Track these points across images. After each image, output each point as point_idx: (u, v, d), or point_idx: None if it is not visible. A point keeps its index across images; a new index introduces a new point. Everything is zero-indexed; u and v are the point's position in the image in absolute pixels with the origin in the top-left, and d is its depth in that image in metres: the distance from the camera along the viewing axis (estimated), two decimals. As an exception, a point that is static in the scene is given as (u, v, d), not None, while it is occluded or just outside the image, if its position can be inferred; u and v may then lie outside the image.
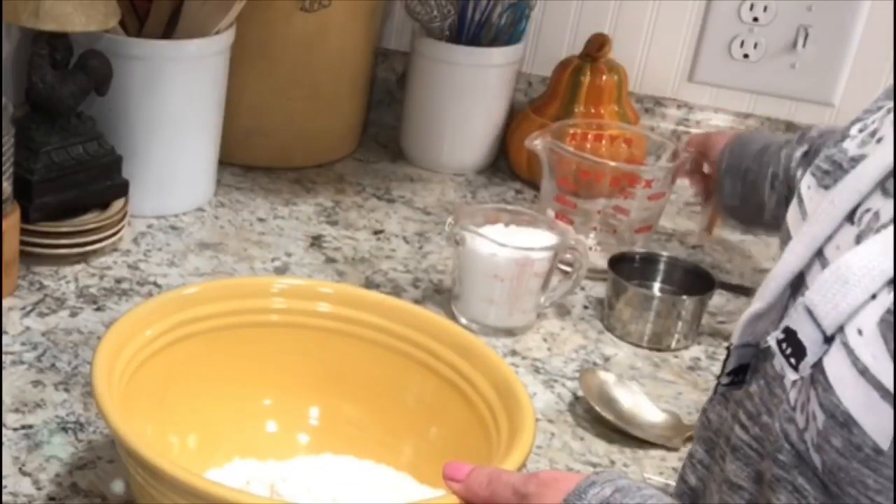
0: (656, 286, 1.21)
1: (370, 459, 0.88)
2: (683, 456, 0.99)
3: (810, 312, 0.61)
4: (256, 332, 0.91)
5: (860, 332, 0.57)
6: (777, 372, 0.65)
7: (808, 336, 0.61)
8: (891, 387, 0.55)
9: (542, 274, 1.13)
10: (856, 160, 0.67)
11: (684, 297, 1.16)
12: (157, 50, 1.23)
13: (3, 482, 0.86)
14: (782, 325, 0.64)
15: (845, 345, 0.58)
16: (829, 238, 0.64)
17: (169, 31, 1.25)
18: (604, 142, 1.35)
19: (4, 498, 0.85)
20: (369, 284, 1.20)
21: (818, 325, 0.60)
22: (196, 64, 1.26)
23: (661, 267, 1.21)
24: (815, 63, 1.48)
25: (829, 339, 0.60)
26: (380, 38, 1.56)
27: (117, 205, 1.19)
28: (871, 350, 0.56)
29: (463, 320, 1.14)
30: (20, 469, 0.88)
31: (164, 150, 1.26)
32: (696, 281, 1.18)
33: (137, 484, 0.77)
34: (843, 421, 0.57)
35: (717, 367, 1.13)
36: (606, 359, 1.13)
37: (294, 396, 0.92)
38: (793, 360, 0.62)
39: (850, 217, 0.64)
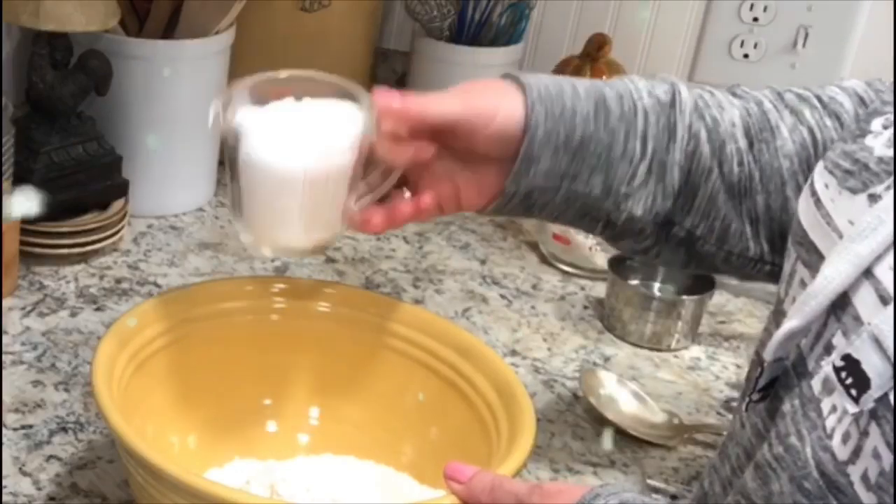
0: (656, 286, 1.21)
1: (370, 460, 0.88)
2: (684, 456, 0.99)
3: (877, 342, 0.57)
4: (256, 332, 0.91)
5: None
6: (814, 395, 0.62)
7: (874, 368, 0.58)
8: None
9: (347, 170, 0.82)
10: (885, 161, 0.64)
11: (684, 297, 1.16)
12: (157, 50, 1.23)
13: (3, 482, 0.86)
14: (841, 352, 0.60)
15: None
16: (880, 258, 0.60)
17: (169, 31, 1.25)
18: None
19: (4, 498, 0.85)
20: (369, 284, 1.20)
21: (889, 358, 0.57)
22: (196, 64, 1.26)
23: (661, 267, 1.21)
24: (815, 63, 1.48)
25: None
26: (380, 38, 1.56)
27: (117, 205, 1.19)
28: None
29: (245, 239, 0.85)
30: (20, 469, 0.88)
31: (164, 150, 1.26)
32: (696, 281, 1.18)
33: (137, 484, 0.77)
34: None
35: (717, 368, 1.13)
36: (606, 359, 1.13)
37: (294, 396, 0.92)
38: (853, 392, 0.58)
39: None
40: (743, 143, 0.83)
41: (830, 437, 0.60)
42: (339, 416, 0.92)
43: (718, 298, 1.22)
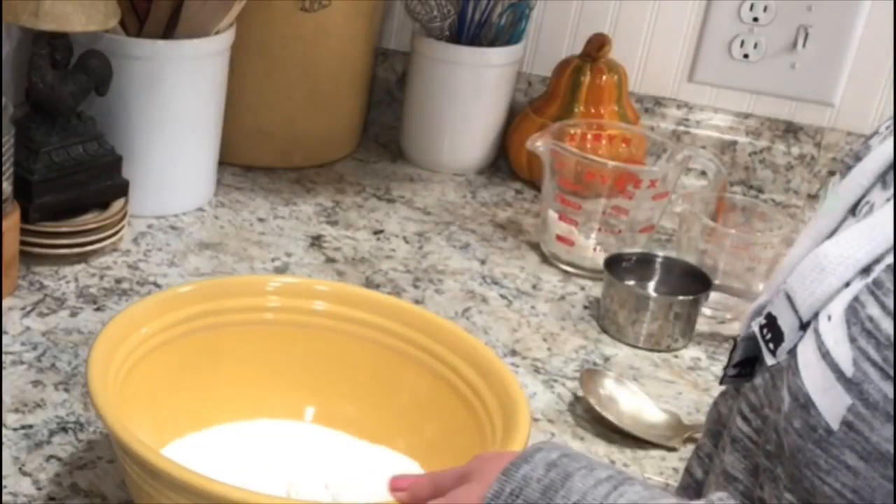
0: (652, 286, 1.21)
1: (366, 457, 0.88)
2: (684, 456, 0.99)
3: (790, 299, 0.62)
4: (252, 331, 0.91)
5: (829, 317, 0.59)
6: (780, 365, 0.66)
7: (787, 322, 0.63)
8: (845, 369, 0.56)
9: None
10: None
11: (679, 297, 1.16)
12: (157, 50, 1.23)
13: (3, 482, 0.86)
14: (765, 311, 0.65)
15: (816, 331, 0.59)
16: (834, 231, 0.65)
17: (169, 31, 1.25)
18: (604, 142, 1.36)
19: (4, 498, 0.85)
20: (369, 284, 1.20)
21: (796, 312, 0.62)
22: (196, 64, 1.26)
23: (657, 267, 1.21)
24: (815, 63, 1.48)
25: (804, 326, 0.61)
26: (380, 38, 1.56)
27: (117, 205, 1.19)
28: (834, 335, 0.58)
29: None
30: (20, 469, 0.88)
31: (164, 150, 1.26)
32: (692, 281, 1.18)
33: (133, 481, 0.77)
34: (803, 403, 0.59)
35: (717, 368, 1.13)
36: (606, 359, 1.13)
37: (289, 395, 0.92)
38: (771, 346, 0.64)
39: (853, 210, 0.65)
40: None
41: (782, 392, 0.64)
42: (335, 414, 0.92)
43: (718, 298, 1.22)
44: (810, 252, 0.65)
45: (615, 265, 1.18)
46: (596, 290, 1.23)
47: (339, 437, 0.91)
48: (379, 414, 0.91)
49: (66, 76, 1.14)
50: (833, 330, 0.58)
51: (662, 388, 1.09)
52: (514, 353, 1.12)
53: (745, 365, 0.70)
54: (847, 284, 0.59)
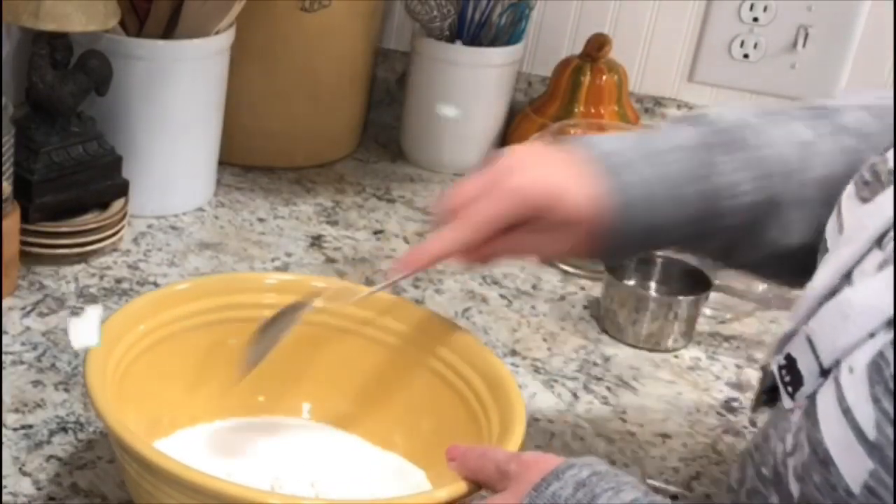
0: (652, 286, 1.21)
1: (362, 455, 0.89)
2: (684, 456, 0.99)
3: (811, 342, 0.60)
4: (249, 328, 0.91)
5: (851, 370, 0.56)
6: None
7: (807, 366, 0.60)
8: (867, 431, 0.54)
9: None
10: (892, 172, 0.65)
11: (679, 297, 1.16)
12: (157, 50, 1.23)
13: (3, 482, 0.86)
14: (785, 351, 0.62)
15: (836, 381, 0.57)
16: (859, 261, 0.62)
17: (169, 31, 1.25)
18: (604, 142, 1.35)
19: (4, 498, 0.85)
20: (369, 284, 1.20)
21: (817, 357, 0.59)
22: (196, 64, 1.26)
23: (657, 267, 1.21)
24: (815, 63, 1.48)
25: (825, 373, 0.59)
26: (380, 38, 1.56)
27: (117, 205, 1.19)
28: (857, 391, 0.55)
29: None
30: (20, 469, 0.88)
31: (164, 150, 1.26)
32: (692, 281, 1.18)
33: (131, 478, 0.77)
34: (822, 458, 0.57)
35: (717, 368, 1.13)
36: (606, 359, 1.13)
37: (287, 392, 0.92)
38: (790, 389, 0.61)
39: (879, 241, 0.61)
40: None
41: (789, 430, 0.62)
42: (331, 411, 0.92)
43: (718, 298, 1.22)
44: (834, 283, 0.62)
45: (615, 265, 1.18)
46: (596, 290, 1.23)
47: (333, 435, 0.91)
48: (376, 410, 0.91)
49: (66, 76, 1.14)
50: (855, 385, 0.55)
51: (662, 388, 1.09)
52: (514, 353, 1.12)
53: (773, 390, 0.68)
54: (872, 335, 0.56)
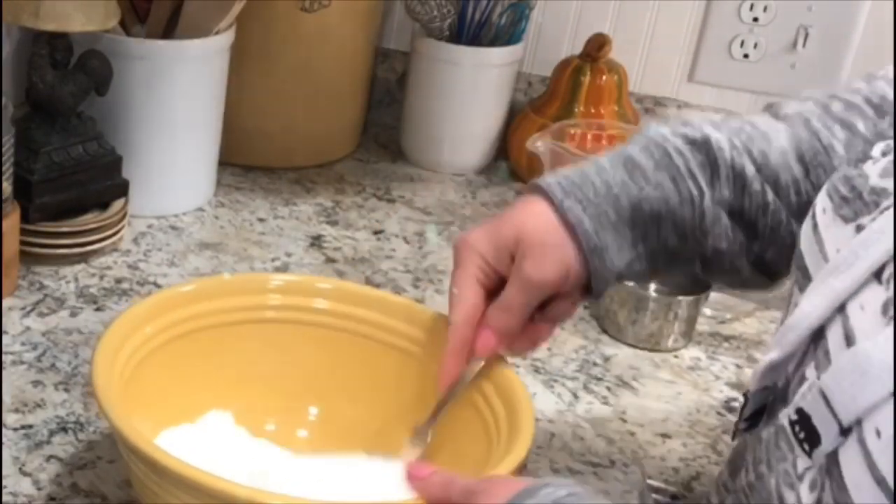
0: (652, 286, 1.21)
1: (369, 456, 0.88)
2: (684, 456, 0.99)
3: (826, 398, 0.56)
4: (253, 329, 0.91)
5: (878, 433, 0.53)
6: (786, 426, 0.61)
7: (823, 423, 0.57)
8: None
9: None
10: (877, 193, 0.62)
11: (679, 297, 1.16)
12: (157, 50, 1.23)
13: (3, 482, 0.86)
14: (795, 405, 0.59)
15: (862, 443, 0.54)
16: (854, 294, 0.59)
17: (169, 31, 1.25)
18: (604, 142, 1.35)
19: (4, 498, 0.85)
20: (369, 284, 1.20)
21: (835, 415, 0.56)
22: (196, 64, 1.26)
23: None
24: (815, 63, 1.48)
25: (845, 431, 0.55)
26: (380, 38, 1.56)
27: (117, 205, 1.19)
28: (887, 457, 0.52)
29: None
30: (20, 469, 0.88)
31: (164, 150, 1.26)
32: (692, 281, 1.18)
33: (138, 480, 0.77)
34: None
35: (717, 368, 1.13)
36: (606, 359, 1.13)
37: (292, 394, 0.92)
38: (806, 446, 0.58)
39: (878, 274, 0.58)
40: (798, 171, 0.79)
41: (801, 478, 0.60)
42: (338, 414, 0.92)
43: (718, 298, 1.22)
44: (827, 316, 0.60)
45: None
46: (596, 290, 1.23)
47: (336, 446, 0.90)
48: (382, 412, 0.91)
49: (66, 76, 1.14)
50: (885, 451, 0.52)
51: (662, 388, 1.09)
52: (514, 353, 1.12)
53: (755, 415, 0.67)
54: (894, 394, 0.53)
